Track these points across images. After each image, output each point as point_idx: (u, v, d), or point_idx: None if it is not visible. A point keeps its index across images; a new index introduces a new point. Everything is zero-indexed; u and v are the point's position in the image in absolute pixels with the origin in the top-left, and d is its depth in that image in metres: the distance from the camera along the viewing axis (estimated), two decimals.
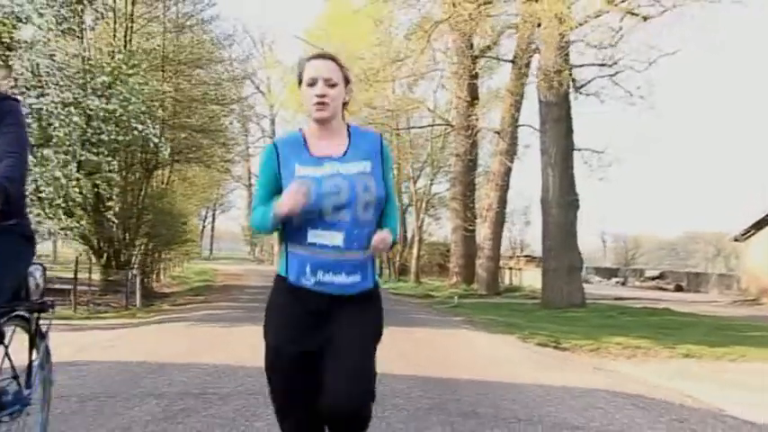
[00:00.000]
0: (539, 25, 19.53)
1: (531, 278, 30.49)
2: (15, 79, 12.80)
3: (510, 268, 40.03)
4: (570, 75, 20.01)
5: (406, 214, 45.32)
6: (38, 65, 13.19)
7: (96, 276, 20.00)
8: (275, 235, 3.07)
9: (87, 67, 14.78)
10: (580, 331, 14.14)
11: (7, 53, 13.00)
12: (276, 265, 3.17)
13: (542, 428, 5.43)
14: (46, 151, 12.90)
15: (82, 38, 15.92)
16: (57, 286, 18.71)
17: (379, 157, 3.03)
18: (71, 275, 18.31)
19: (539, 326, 15.01)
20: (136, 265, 20.73)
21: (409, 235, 44.27)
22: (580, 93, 21.21)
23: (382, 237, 2.91)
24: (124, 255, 20.39)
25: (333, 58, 3.04)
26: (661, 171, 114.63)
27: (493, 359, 10.04)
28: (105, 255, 19.95)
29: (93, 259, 20.40)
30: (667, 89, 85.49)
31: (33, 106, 12.70)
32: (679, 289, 45.83)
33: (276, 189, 2.96)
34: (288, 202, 2.80)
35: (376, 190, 2.96)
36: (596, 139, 65.52)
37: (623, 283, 52.48)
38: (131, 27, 20.50)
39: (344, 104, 3.07)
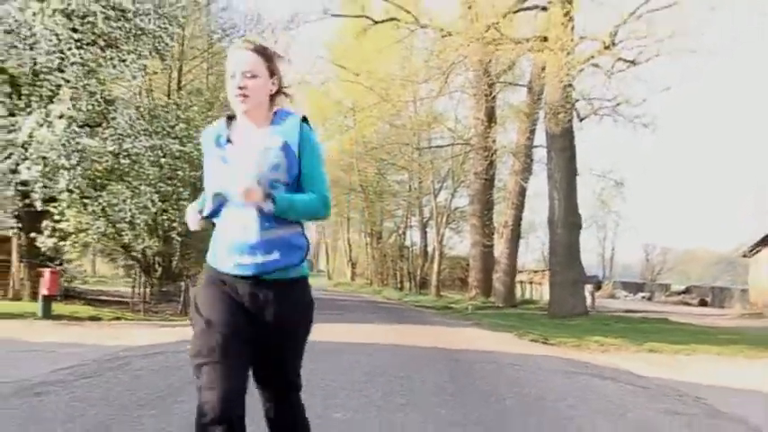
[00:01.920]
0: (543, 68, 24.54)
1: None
2: (114, 128, 17.91)
3: (530, 282, 44.96)
4: (573, 109, 24.89)
5: (427, 228, 50.19)
6: (131, 116, 18.30)
7: (140, 290, 24.84)
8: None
9: (169, 116, 19.84)
10: (571, 333, 18.88)
11: (107, 108, 18.11)
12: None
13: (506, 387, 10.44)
14: (142, 186, 18.02)
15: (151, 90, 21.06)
16: (110, 298, 23.77)
17: (297, 137, 3.18)
18: (107, 287, 23.10)
19: (537, 329, 19.81)
20: (190, 276, 25.73)
21: (430, 249, 49.11)
22: (584, 120, 26.10)
23: (247, 187, 3.04)
24: (177, 268, 25.39)
25: (257, 50, 3.22)
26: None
27: (487, 344, 15.00)
28: (161, 268, 24.97)
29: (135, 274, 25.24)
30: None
31: (130, 150, 17.81)
32: (703, 303, 50.26)
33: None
34: (189, 220, 3.25)
35: (287, 169, 3.15)
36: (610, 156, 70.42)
37: (649, 298, 56.96)
38: (181, 67, 25.65)
39: (273, 96, 3.29)
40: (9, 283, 20.39)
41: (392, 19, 30.03)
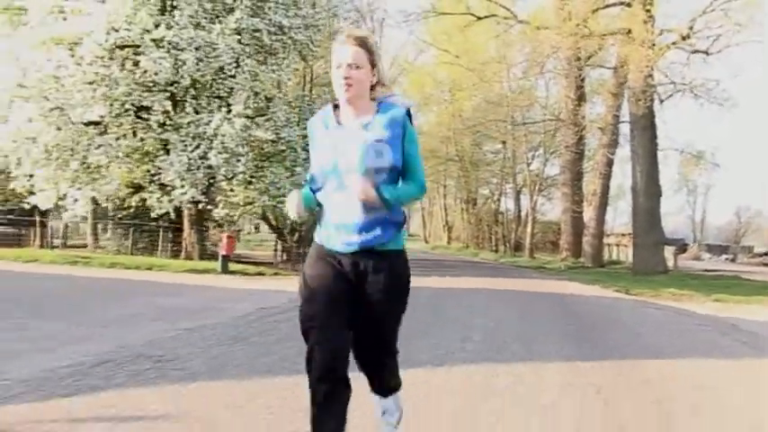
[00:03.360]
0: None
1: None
2: (275, 121, 22.10)
3: (617, 245, 48.15)
4: (654, 93, 28.20)
5: (521, 194, 53.59)
6: (285, 110, 22.59)
7: (280, 252, 29.13)
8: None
9: (314, 106, 24.06)
10: (650, 287, 22.34)
11: (268, 104, 22.33)
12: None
13: (597, 316, 14.30)
14: (296, 168, 22.25)
15: None
16: (256, 260, 28.24)
17: (400, 129, 3.45)
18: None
19: (621, 283, 23.41)
20: None
21: (523, 214, 52.59)
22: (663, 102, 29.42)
23: (363, 187, 3.35)
24: (309, 234, 29.72)
25: (360, 44, 3.48)
26: None
27: (578, 290, 18.82)
28: (297, 233, 29.30)
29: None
30: None
31: (286, 138, 22.04)
32: None
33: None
34: (290, 207, 3.54)
35: (391, 157, 3.42)
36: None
37: (733, 260, 59.33)
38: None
39: (373, 86, 3.54)
40: (182, 245, 24.89)
41: (493, 15, 33.67)
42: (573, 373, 7.03)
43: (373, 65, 3.49)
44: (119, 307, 10.95)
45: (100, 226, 30.37)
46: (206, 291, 14.94)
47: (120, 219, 25.42)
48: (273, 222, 29.48)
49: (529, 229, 48.15)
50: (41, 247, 27.30)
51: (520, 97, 43.34)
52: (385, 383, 3.74)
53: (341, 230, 3.41)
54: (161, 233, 25.82)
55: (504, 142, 51.60)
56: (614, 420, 5.28)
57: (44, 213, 29.15)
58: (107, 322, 9.05)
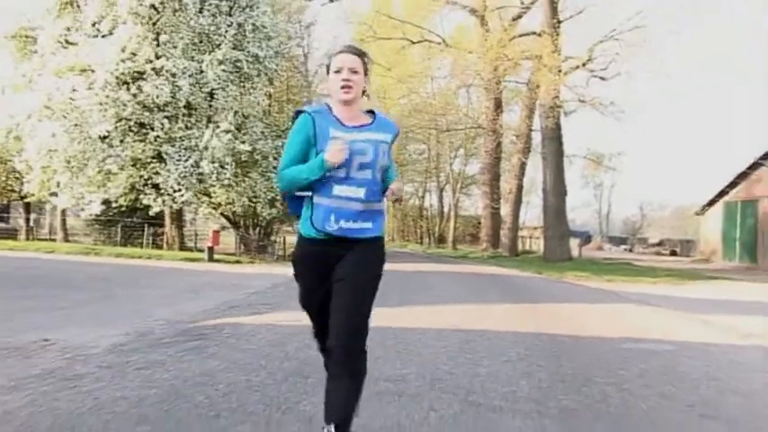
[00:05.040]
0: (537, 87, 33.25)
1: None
2: (251, 135, 26.40)
3: (530, 237, 53.79)
4: (561, 108, 33.51)
5: (444, 192, 58.78)
6: (260, 126, 26.96)
7: (239, 244, 33.37)
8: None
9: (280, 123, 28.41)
10: (557, 270, 27.63)
11: (245, 120, 26.65)
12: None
13: (517, 288, 19.34)
14: (269, 174, 26.59)
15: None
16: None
17: (392, 137, 3.90)
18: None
19: (534, 268, 28.71)
20: (275, 234, 34.33)
21: (446, 209, 57.80)
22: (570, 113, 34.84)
23: (399, 185, 3.90)
24: (269, 228, 34.02)
25: (357, 54, 3.87)
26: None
27: (499, 272, 23.86)
28: (259, 228, 33.59)
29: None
30: None
31: (261, 149, 26.37)
32: (674, 253, 58.76)
33: (305, 151, 3.81)
34: (337, 154, 3.65)
35: (388, 158, 3.88)
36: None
37: (630, 250, 65.62)
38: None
39: (363, 92, 3.88)
40: (164, 238, 29.10)
41: (426, 40, 38.70)
42: (508, 307, 12.09)
43: (366, 73, 3.87)
44: (172, 282, 15.00)
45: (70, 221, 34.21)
46: (214, 274, 18.87)
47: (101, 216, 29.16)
48: (234, 219, 33.70)
49: (452, 224, 53.56)
50: (27, 239, 31.39)
51: (444, 105, 48.30)
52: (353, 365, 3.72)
53: (340, 217, 3.72)
54: (145, 228, 30.03)
55: (427, 143, 56.50)
56: (534, 321, 10.25)
57: (28, 210, 33.20)
58: (182, 290, 13.21)
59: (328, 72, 3.92)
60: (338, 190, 3.72)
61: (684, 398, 5.71)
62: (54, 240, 31.99)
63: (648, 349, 8.17)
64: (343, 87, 3.80)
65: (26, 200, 30.31)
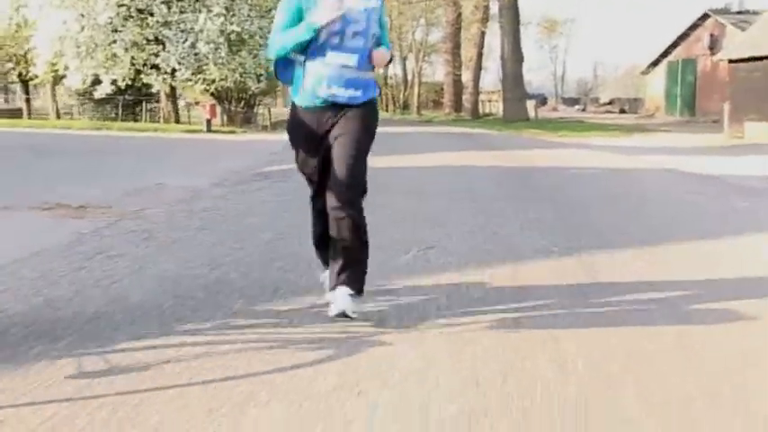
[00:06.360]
0: None
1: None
2: (239, 17, 28.79)
3: (489, 101, 56.85)
4: None
5: (407, 61, 61.29)
6: (247, 7, 29.37)
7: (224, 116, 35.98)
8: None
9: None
10: (515, 129, 31.06)
11: (233, 3, 29.04)
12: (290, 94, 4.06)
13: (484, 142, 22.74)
14: (259, 51, 29.13)
15: None
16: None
17: (381, 3, 3.87)
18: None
19: (496, 127, 32.13)
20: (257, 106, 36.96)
21: (410, 77, 60.50)
22: None
23: (381, 52, 3.88)
24: (252, 100, 36.64)
25: None
26: None
27: (466, 131, 27.20)
28: (243, 101, 36.23)
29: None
30: None
31: (249, 29, 28.85)
32: (623, 111, 61.80)
33: (296, 20, 3.80)
34: (326, 14, 3.66)
35: (379, 26, 3.89)
36: None
37: (583, 110, 68.81)
38: None
39: None
40: (161, 114, 31.90)
41: None
42: (481, 153, 15.74)
43: None
44: (192, 150, 17.85)
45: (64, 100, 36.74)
46: (221, 142, 21.77)
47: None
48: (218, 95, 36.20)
49: (416, 90, 56.38)
50: (28, 117, 34.16)
51: None
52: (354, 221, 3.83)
53: (332, 83, 3.79)
54: (143, 105, 32.75)
55: (388, 12, 58.48)
56: (503, 160, 13.66)
57: (27, 91, 35.73)
58: (209, 155, 16.32)
59: None
60: (331, 57, 3.76)
61: (606, 191, 9.29)
62: (47, 118, 34.61)
63: (587, 172, 11.76)
64: None
65: (32, 82, 32.72)
